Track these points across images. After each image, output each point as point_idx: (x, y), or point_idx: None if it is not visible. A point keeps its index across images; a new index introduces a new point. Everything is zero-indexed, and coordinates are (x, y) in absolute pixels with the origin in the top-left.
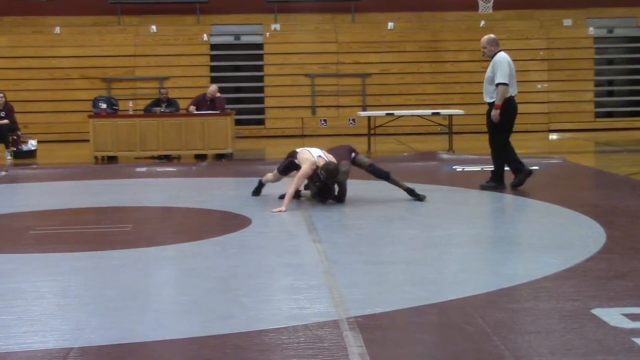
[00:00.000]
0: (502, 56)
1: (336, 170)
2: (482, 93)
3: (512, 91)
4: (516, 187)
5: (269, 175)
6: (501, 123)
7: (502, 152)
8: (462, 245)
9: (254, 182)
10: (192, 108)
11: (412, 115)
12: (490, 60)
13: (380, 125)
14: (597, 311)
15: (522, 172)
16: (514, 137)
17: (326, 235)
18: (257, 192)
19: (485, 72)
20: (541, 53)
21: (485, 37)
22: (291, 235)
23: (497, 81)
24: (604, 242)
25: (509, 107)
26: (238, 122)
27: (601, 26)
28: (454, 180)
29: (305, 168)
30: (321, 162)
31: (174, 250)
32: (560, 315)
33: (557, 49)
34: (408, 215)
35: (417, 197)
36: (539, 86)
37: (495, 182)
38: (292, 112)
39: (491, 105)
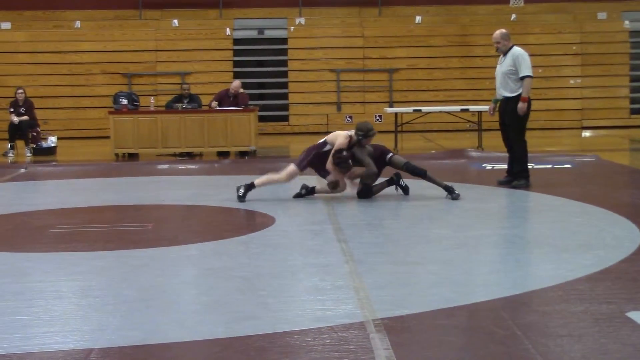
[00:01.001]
0: (521, 50)
1: (370, 126)
2: None
3: None
4: (501, 184)
5: (271, 177)
6: (523, 119)
7: (525, 147)
8: (492, 245)
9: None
10: (214, 104)
11: (440, 112)
12: (502, 55)
13: (407, 122)
14: (632, 314)
15: (517, 177)
16: (546, 134)
17: (352, 234)
18: (244, 196)
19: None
20: (574, 47)
21: (498, 32)
22: (316, 234)
23: (523, 74)
24: (639, 243)
25: (529, 102)
26: (261, 119)
27: (637, 19)
28: (484, 178)
29: (341, 140)
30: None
31: (196, 249)
32: (593, 318)
33: (591, 43)
34: (437, 215)
35: (453, 196)
36: (572, 82)
37: (524, 180)
38: (316, 109)
39: (511, 99)
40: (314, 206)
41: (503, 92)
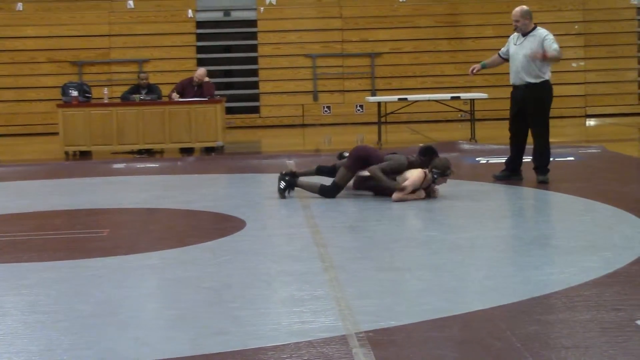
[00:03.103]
0: (546, 30)
1: (448, 163)
2: (507, 74)
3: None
4: (498, 179)
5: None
6: (548, 107)
7: (547, 136)
8: (488, 248)
9: (248, 178)
10: (175, 95)
11: (429, 101)
12: (519, 35)
13: (391, 112)
14: None
15: (514, 172)
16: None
17: (332, 238)
18: (286, 189)
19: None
20: (576, 27)
21: (518, 9)
22: (292, 238)
23: (553, 49)
24: None
25: (550, 89)
26: (229, 111)
27: None
28: (478, 173)
29: (415, 177)
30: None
31: (157, 257)
32: (601, 327)
33: (594, 21)
34: (427, 215)
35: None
36: (574, 65)
37: (543, 173)
38: (290, 99)
39: (535, 86)
40: (289, 208)
41: (526, 77)
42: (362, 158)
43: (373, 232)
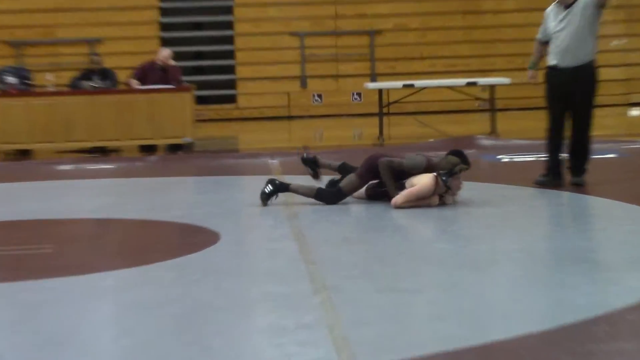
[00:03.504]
0: None
1: (454, 160)
2: (529, 55)
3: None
4: (541, 185)
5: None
6: (594, 95)
7: (590, 130)
8: (512, 264)
9: (222, 182)
10: (134, 82)
11: (440, 87)
12: (559, 7)
13: (395, 102)
14: None
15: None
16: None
17: (324, 253)
18: (272, 194)
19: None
20: None
21: None
22: (275, 254)
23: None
24: None
25: (597, 73)
26: (200, 100)
27: None
28: (499, 174)
29: (425, 183)
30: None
31: (113, 278)
32: None
33: None
34: (437, 225)
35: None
36: (614, 43)
37: (579, 174)
38: (273, 85)
39: (584, 67)
40: (272, 217)
41: (573, 58)
42: (374, 169)
43: (373, 245)
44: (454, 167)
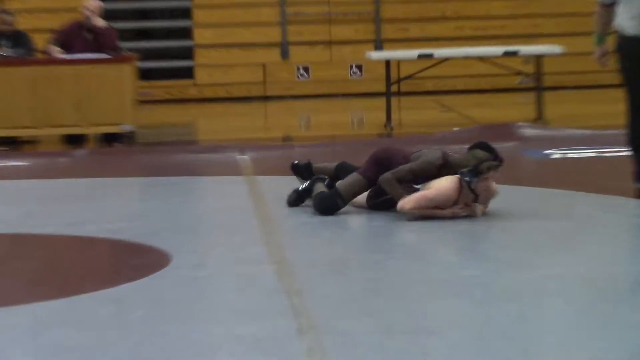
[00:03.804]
0: None
1: (480, 154)
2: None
3: None
4: None
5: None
6: None
7: None
8: (562, 296)
9: (175, 185)
10: (55, 49)
11: (467, 58)
12: None
13: (408, 77)
14: None
15: None
16: None
17: (310, 280)
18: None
19: None
20: None
21: None
22: (246, 282)
23: None
24: None
25: None
26: (145, 75)
27: None
28: (548, 175)
29: (446, 187)
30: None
31: (28, 314)
32: None
33: None
34: (463, 244)
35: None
36: None
37: None
38: (244, 55)
39: None
40: (242, 231)
41: None
42: (382, 162)
43: (376, 270)
44: (479, 164)
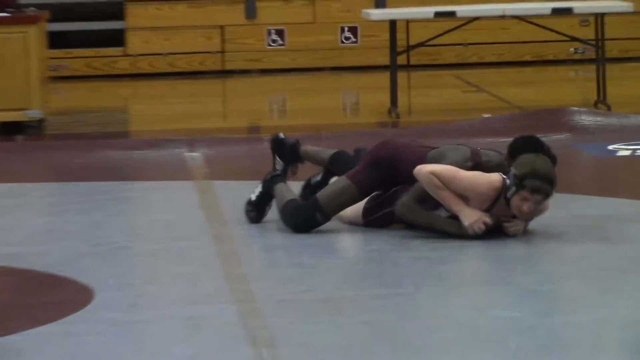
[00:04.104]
0: None
1: (536, 163)
2: None
3: None
4: None
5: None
6: None
7: None
8: (632, 346)
9: (98, 193)
10: None
11: (501, 18)
12: None
13: (421, 44)
14: None
15: None
16: None
17: (287, 326)
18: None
19: None
20: None
21: None
22: (198, 326)
23: None
24: None
25: None
26: (57, 42)
27: None
28: (612, 179)
29: (482, 190)
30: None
31: None
32: None
33: None
34: (496, 273)
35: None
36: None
37: None
38: (195, 14)
39: None
40: (193, 258)
41: None
42: (383, 163)
43: (377, 311)
44: (527, 176)
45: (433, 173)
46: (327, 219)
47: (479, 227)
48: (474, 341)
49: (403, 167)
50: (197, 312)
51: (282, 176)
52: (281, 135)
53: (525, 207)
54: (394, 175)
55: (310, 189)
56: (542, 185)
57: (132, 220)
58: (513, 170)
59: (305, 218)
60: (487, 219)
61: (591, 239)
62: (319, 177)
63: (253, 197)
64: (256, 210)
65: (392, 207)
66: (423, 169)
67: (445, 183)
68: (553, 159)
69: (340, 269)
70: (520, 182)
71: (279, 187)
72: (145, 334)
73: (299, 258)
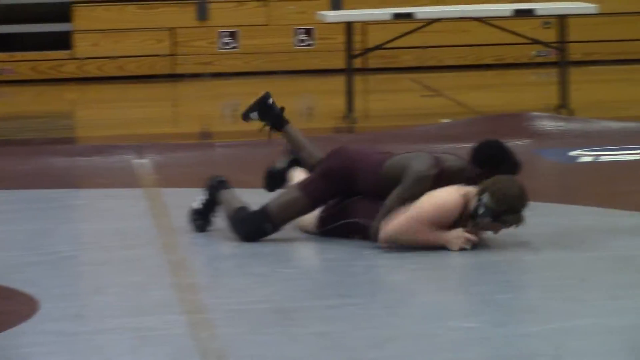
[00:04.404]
0: None
1: (514, 190)
2: None
3: None
4: None
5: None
6: None
7: None
8: (593, 355)
9: (44, 201)
10: None
11: (462, 20)
12: None
13: (379, 47)
14: None
15: None
16: None
17: (238, 338)
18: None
19: None
20: None
21: None
22: (147, 338)
23: None
24: None
25: None
26: (1, 45)
27: None
28: (574, 186)
29: (444, 200)
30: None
31: None
32: None
33: None
34: (454, 283)
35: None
36: None
37: None
38: (145, 15)
39: None
40: (141, 268)
41: None
42: (337, 174)
43: (331, 322)
44: (502, 213)
45: (397, 232)
46: (276, 229)
47: (465, 245)
48: (430, 352)
49: (359, 177)
50: (145, 323)
51: (227, 182)
52: (271, 100)
53: (497, 232)
54: (350, 185)
55: (275, 176)
56: (518, 218)
57: (78, 228)
58: (488, 203)
59: (254, 228)
60: (468, 235)
61: (551, 248)
62: (283, 164)
63: (197, 204)
64: (202, 219)
65: (347, 218)
66: (386, 235)
67: (413, 231)
68: (518, 166)
69: (292, 279)
70: (497, 217)
71: (226, 195)
72: (92, 345)
73: (250, 267)
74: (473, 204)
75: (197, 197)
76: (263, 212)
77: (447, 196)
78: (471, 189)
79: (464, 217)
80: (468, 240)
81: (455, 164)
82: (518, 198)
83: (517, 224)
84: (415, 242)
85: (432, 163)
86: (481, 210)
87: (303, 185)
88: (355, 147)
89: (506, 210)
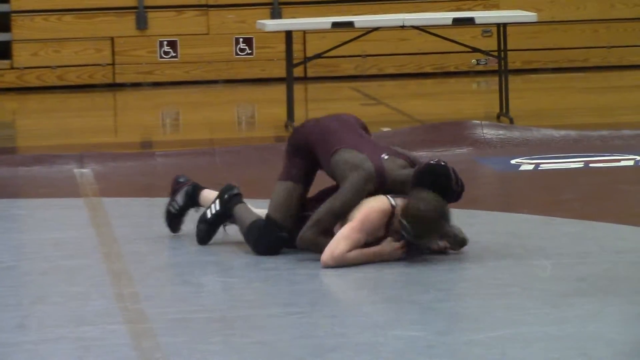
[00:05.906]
0: None
1: (439, 205)
2: None
3: None
4: None
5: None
6: None
7: None
8: None
9: None
10: None
11: (402, 29)
12: None
13: (319, 56)
14: None
15: None
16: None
17: (180, 346)
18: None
19: None
20: None
21: None
22: (89, 348)
23: None
24: None
25: None
26: None
27: None
28: (515, 194)
29: (368, 212)
30: (399, 202)
31: None
32: None
33: None
34: (396, 291)
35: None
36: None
37: None
38: (84, 25)
39: None
40: (83, 277)
41: None
42: (301, 148)
43: (272, 331)
44: (424, 240)
45: (337, 259)
46: (287, 229)
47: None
48: None
49: (318, 157)
50: (87, 332)
51: (240, 195)
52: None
53: (433, 248)
54: (314, 157)
55: (177, 216)
56: (437, 240)
57: (19, 238)
58: (407, 227)
59: (272, 244)
60: (398, 244)
61: (493, 256)
62: (181, 203)
63: (208, 215)
64: (210, 230)
65: (308, 211)
66: (325, 264)
67: (350, 252)
68: (459, 194)
69: (234, 288)
70: (418, 239)
71: (239, 211)
72: (34, 356)
73: (192, 277)
74: (398, 221)
75: (211, 206)
76: (270, 222)
77: (375, 203)
78: (403, 203)
79: (392, 230)
80: (403, 247)
81: (399, 177)
82: (434, 222)
83: (456, 246)
84: (359, 263)
85: (371, 177)
86: (403, 232)
87: (283, 175)
88: (321, 125)
89: (422, 235)
